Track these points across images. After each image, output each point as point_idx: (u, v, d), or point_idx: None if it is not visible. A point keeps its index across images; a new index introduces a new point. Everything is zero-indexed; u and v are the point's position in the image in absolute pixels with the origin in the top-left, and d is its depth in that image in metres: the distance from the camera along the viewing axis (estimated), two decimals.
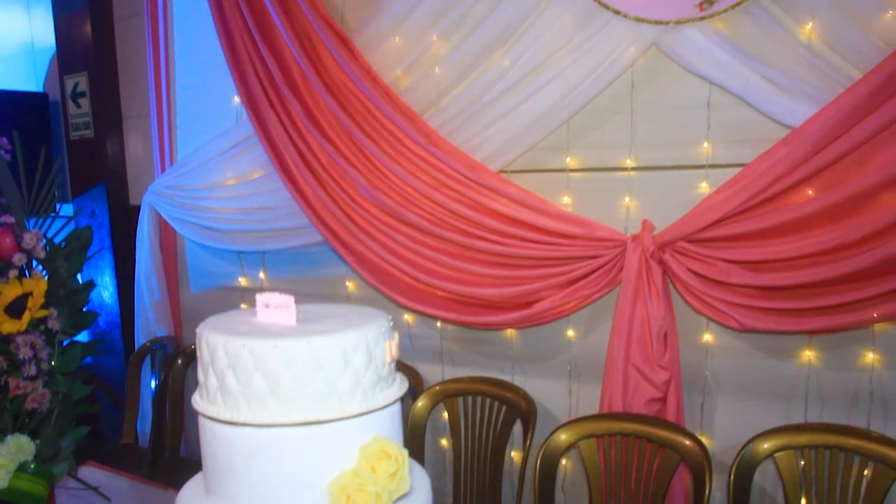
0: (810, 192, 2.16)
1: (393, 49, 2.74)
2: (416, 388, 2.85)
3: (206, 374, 1.26)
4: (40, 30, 4.28)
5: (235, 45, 2.96)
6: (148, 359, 3.54)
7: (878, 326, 2.21)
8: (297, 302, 1.32)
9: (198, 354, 1.30)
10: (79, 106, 3.92)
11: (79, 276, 2.20)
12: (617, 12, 2.31)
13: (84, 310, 2.19)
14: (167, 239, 3.70)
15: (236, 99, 3.15)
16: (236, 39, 2.96)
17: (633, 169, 2.47)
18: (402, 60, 2.73)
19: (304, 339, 1.19)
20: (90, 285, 2.21)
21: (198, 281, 3.70)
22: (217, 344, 1.22)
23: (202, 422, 1.28)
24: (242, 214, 3.23)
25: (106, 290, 4.01)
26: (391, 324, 1.36)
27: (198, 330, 1.29)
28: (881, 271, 2.02)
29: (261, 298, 1.34)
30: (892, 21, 2.03)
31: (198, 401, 1.29)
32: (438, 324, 2.94)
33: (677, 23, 2.25)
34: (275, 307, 1.32)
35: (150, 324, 3.68)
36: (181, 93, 3.56)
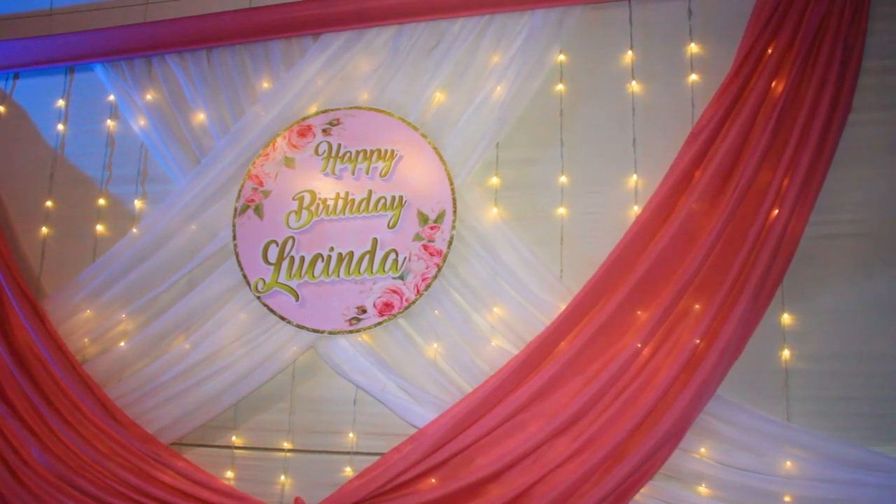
0: (433, 480, 2.60)
1: (83, 320, 2.97)
2: None
3: None
4: None
5: None
6: None
7: None
8: None
9: None
10: None
11: None
12: (282, 318, 2.77)
13: None
14: None
15: None
16: None
17: (289, 451, 2.81)
18: (91, 332, 2.96)
19: None
20: None
21: None
22: None
23: None
24: None
25: None
26: None
27: None
28: None
29: None
30: (496, 349, 2.62)
31: None
32: None
33: (331, 333, 2.74)
34: None
35: None
36: None
